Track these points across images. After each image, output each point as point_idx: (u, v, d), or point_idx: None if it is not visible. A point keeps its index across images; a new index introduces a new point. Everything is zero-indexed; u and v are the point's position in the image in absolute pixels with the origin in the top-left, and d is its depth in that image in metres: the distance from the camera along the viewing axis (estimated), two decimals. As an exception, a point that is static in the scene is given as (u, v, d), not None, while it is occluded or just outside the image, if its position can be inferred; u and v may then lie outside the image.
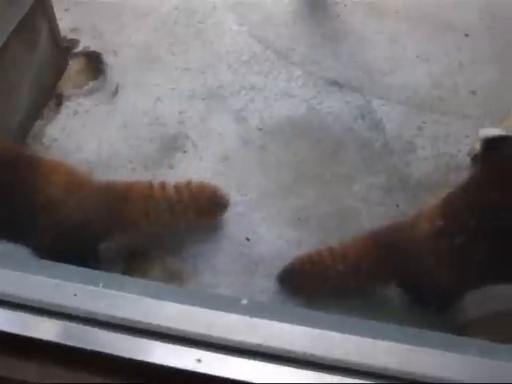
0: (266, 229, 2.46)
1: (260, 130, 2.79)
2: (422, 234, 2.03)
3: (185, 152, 2.71)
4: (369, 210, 2.51)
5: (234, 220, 2.49)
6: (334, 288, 2.19)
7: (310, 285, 2.23)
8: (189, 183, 2.30)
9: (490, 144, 1.88)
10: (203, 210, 2.33)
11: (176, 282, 2.34)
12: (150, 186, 2.24)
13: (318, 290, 2.22)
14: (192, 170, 2.66)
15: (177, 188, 2.26)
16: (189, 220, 2.32)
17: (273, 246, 2.41)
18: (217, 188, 2.36)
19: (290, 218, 2.50)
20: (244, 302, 1.49)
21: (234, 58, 3.13)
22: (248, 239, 2.43)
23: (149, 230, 2.32)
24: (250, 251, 2.40)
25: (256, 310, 1.43)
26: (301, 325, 1.29)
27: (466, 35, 3.33)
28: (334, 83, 3.01)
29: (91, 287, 1.34)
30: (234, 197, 2.55)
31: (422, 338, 1.32)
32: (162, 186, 2.25)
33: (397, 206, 2.54)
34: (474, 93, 3.02)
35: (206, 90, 2.98)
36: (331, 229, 2.47)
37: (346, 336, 1.27)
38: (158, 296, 1.33)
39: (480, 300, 2.13)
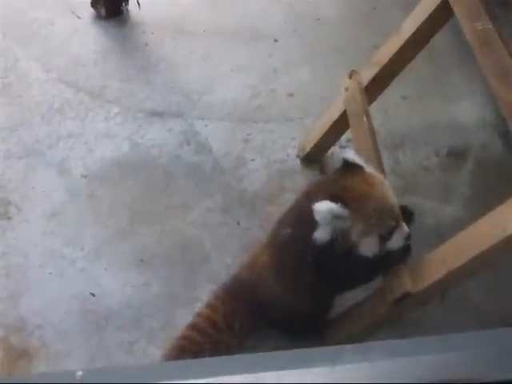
0: (110, 279, 2.35)
1: (85, 177, 2.66)
2: (263, 267, 2.03)
3: (9, 219, 2.53)
4: (211, 234, 2.47)
5: (74, 278, 2.36)
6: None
7: None
8: None
9: (345, 165, 1.85)
10: None
11: (25, 361, 2.17)
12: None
13: None
14: (21, 236, 2.49)
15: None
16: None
17: (120, 296, 2.31)
18: None
19: (132, 261, 2.40)
20: (79, 373, 1.37)
21: (46, 108, 2.97)
22: (93, 294, 2.31)
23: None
24: (96, 307, 2.28)
25: (94, 378, 1.32)
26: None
27: (276, 40, 3.39)
28: (154, 113, 2.94)
29: None
30: (70, 254, 2.42)
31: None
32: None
33: (238, 223, 2.51)
34: (291, 95, 3.07)
35: (22, 148, 2.81)
36: (177, 263, 2.40)
37: None
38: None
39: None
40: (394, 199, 1.82)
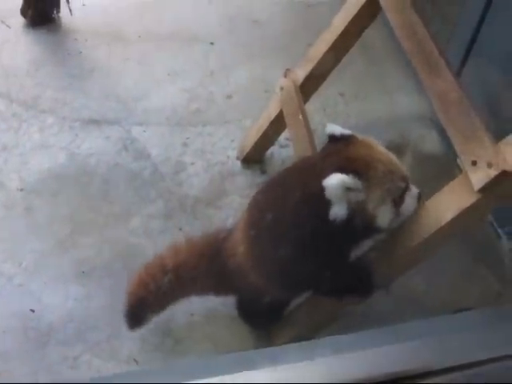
0: (50, 294, 2.28)
1: (21, 190, 2.58)
2: (236, 242, 1.93)
3: None
4: (153, 242, 2.43)
5: (13, 295, 2.28)
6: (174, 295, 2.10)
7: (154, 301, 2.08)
8: None
9: (332, 140, 1.73)
10: None
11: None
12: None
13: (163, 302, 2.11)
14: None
15: None
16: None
17: (62, 310, 2.24)
18: None
19: (73, 274, 2.34)
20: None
21: (-23, 122, 2.88)
22: (33, 310, 2.23)
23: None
24: (37, 323, 2.20)
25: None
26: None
27: (212, 43, 3.37)
28: (91, 122, 2.88)
29: None
30: (8, 270, 2.34)
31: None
32: None
33: (180, 229, 2.48)
34: (229, 97, 3.05)
35: (-46, 163, 2.70)
36: (120, 272, 2.34)
37: None
38: None
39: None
40: (397, 159, 1.71)
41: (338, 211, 1.60)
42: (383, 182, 1.63)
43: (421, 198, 1.72)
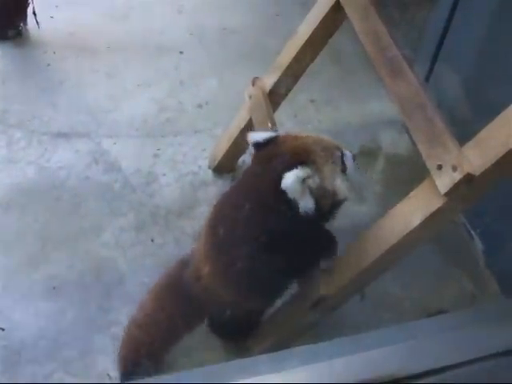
0: (21, 311, 2.24)
1: (-12, 208, 2.54)
2: (198, 265, 1.88)
3: None
4: (125, 254, 2.40)
5: (-17, 314, 2.23)
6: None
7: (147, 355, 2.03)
8: None
9: (259, 147, 1.74)
10: None
11: None
12: None
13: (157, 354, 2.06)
14: None
15: None
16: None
17: (33, 327, 2.20)
18: None
19: (44, 290, 2.30)
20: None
21: None
22: (3, 329, 2.19)
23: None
24: (8, 342, 2.16)
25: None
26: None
27: (181, 53, 3.36)
28: (60, 135, 2.85)
29: None
30: (-25, 289, 2.29)
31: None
32: None
33: (152, 240, 2.45)
34: (200, 107, 3.04)
35: None
36: (92, 287, 2.32)
37: None
38: None
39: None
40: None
41: (306, 205, 1.64)
42: (326, 159, 1.70)
43: (355, 157, 1.81)
